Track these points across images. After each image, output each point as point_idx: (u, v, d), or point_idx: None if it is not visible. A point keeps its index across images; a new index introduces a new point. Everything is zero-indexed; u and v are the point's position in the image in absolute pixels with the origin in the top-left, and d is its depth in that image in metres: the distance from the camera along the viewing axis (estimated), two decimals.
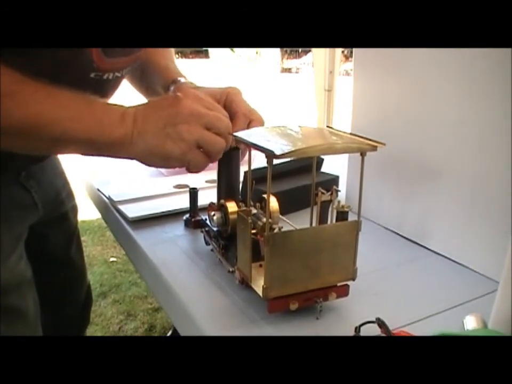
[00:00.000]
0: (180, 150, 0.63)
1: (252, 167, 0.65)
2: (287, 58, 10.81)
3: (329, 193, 0.64)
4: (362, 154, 0.57)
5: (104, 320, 2.18)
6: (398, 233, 0.89)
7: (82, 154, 0.68)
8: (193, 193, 0.90)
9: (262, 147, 0.52)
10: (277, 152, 0.49)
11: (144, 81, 0.93)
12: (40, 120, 0.59)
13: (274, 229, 0.58)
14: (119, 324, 2.16)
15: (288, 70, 10.52)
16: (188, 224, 0.89)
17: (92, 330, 2.06)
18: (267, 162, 0.52)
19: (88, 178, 1.16)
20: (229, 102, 0.77)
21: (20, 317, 0.78)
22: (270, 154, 0.50)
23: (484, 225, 0.73)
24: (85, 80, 0.69)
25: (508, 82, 0.66)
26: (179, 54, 12.39)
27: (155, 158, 0.65)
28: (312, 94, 2.50)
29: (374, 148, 0.56)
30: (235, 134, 0.63)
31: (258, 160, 0.83)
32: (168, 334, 1.93)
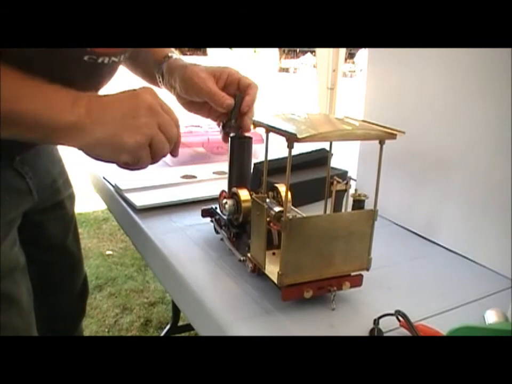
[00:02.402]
0: (136, 143, 0.61)
1: (261, 159, 0.64)
2: (285, 58, 10.81)
3: (345, 182, 0.63)
4: (381, 142, 0.56)
5: (100, 313, 2.16)
6: (409, 229, 0.89)
7: (32, 140, 0.66)
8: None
9: (285, 130, 0.51)
10: (299, 136, 0.48)
11: (140, 64, 0.92)
12: None
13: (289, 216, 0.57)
14: (115, 317, 2.14)
15: (286, 70, 10.52)
16: None
17: (87, 323, 2.04)
18: (287, 146, 0.51)
19: (93, 166, 1.15)
20: (235, 80, 0.77)
21: (12, 303, 0.77)
22: (292, 137, 0.49)
23: (496, 222, 0.73)
24: (78, 63, 0.67)
25: None
26: (176, 51, 12.37)
27: (106, 149, 0.62)
28: (315, 92, 2.50)
29: (394, 136, 0.55)
30: (255, 119, 0.62)
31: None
32: (166, 329, 1.91)
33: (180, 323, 1.92)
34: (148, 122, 0.62)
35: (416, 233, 0.87)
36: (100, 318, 2.13)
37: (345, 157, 1.09)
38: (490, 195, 0.73)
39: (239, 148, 0.75)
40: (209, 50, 11.16)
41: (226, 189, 0.77)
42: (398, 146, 0.67)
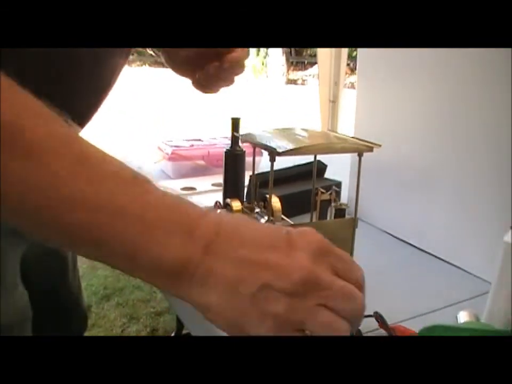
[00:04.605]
0: (265, 331, 0.38)
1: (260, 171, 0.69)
2: (293, 70, 10.89)
3: (329, 192, 0.67)
4: (360, 155, 0.61)
5: (107, 322, 2.21)
6: (396, 237, 0.92)
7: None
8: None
9: (265, 145, 0.56)
10: (279, 150, 0.53)
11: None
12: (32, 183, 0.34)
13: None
14: (122, 326, 2.18)
15: (294, 82, 10.59)
16: None
17: (95, 332, 2.09)
18: (270, 160, 0.55)
19: None
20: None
21: None
22: (272, 152, 0.54)
23: (477, 228, 0.77)
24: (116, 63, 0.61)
25: (498, 91, 0.70)
26: None
27: (226, 322, 0.39)
28: (317, 105, 2.54)
29: (370, 149, 0.59)
30: (241, 135, 0.67)
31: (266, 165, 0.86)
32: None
33: (184, 331, 1.96)
34: (294, 303, 0.37)
35: (403, 241, 0.91)
36: (108, 327, 2.17)
37: (340, 167, 1.13)
38: (472, 203, 0.77)
39: (233, 161, 0.80)
40: None
41: (221, 200, 0.81)
42: (388, 158, 0.72)
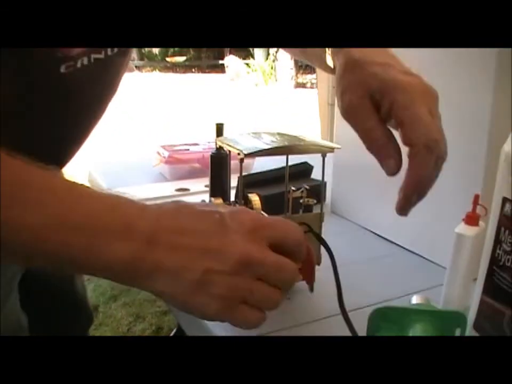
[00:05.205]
0: (214, 310, 0.42)
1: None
2: (302, 74, 10.94)
3: (300, 190, 0.74)
4: (323, 155, 0.67)
5: (114, 321, 2.29)
6: (374, 232, 0.99)
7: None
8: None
9: (233, 147, 0.63)
10: (245, 152, 0.60)
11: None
12: None
13: None
14: (128, 325, 2.26)
15: (303, 85, 10.64)
16: None
17: (102, 331, 2.17)
18: (239, 161, 0.62)
19: (91, 178, 1.28)
20: (399, 118, 0.49)
21: None
22: (239, 154, 0.61)
23: (444, 223, 0.83)
24: (57, 80, 0.53)
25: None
26: (195, 69, 12.57)
27: (179, 305, 0.44)
28: (316, 108, 2.61)
29: (331, 150, 0.66)
30: (219, 139, 0.74)
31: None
32: (172, 333, 2.02)
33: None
34: (232, 281, 0.42)
35: (380, 236, 0.97)
36: (114, 326, 2.25)
37: (328, 168, 1.20)
38: (442, 196, 0.83)
39: (218, 163, 0.87)
40: (226, 68, 11.37)
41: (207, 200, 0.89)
42: (366, 159, 0.78)
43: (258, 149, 0.60)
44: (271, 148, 0.61)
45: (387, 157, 0.51)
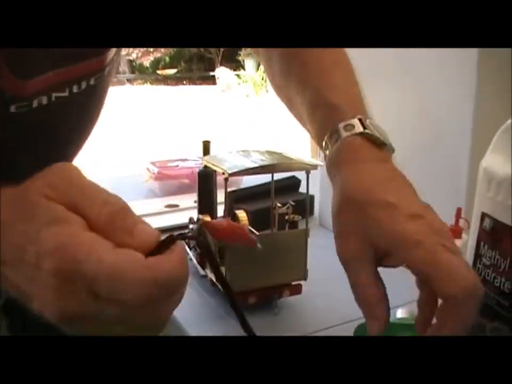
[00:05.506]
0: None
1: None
2: None
3: (286, 207, 0.75)
4: (307, 172, 0.69)
5: None
6: None
7: None
8: None
9: (218, 166, 0.64)
10: (229, 171, 0.61)
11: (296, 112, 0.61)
12: None
13: None
14: None
15: None
16: None
17: None
18: (224, 179, 0.63)
19: None
20: (422, 275, 0.45)
21: None
22: (223, 173, 0.62)
23: None
24: (6, 120, 0.48)
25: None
26: (186, 81, 12.62)
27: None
28: None
29: (315, 167, 0.67)
30: (205, 158, 0.75)
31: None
32: None
33: None
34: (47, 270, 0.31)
35: None
36: None
37: (316, 182, 1.21)
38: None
39: (205, 180, 0.88)
40: (217, 79, 11.41)
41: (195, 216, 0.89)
42: None
43: (242, 168, 0.61)
44: (254, 167, 0.62)
45: (371, 318, 0.46)
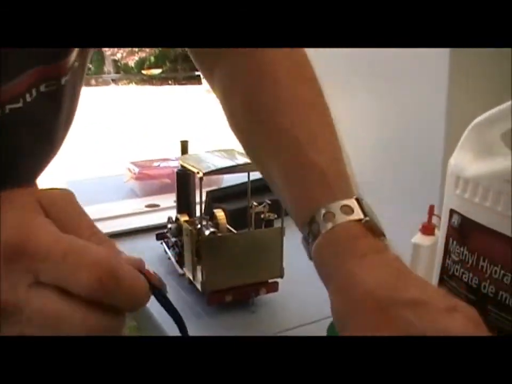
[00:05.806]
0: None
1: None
2: None
3: (262, 205, 0.76)
4: None
5: None
6: None
7: None
8: None
9: (193, 166, 0.64)
10: (204, 171, 0.61)
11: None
12: None
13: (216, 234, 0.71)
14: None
15: None
16: None
17: None
18: (198, 179, 0.64)
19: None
20: None
21: None
22: (198, 172, 0.63)
23: (401, 233, 0.85)
24: None
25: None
26: (171, 81, 12.57)
27: None
28: None
29: None
30: (181, 158, 0.75)
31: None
32: None
33: None
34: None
35: None
36: None
37: None
38: (400, 206, 0.86)
39: (183, 180, 0.89)
40: (203, 79, 11.37)
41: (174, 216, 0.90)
42: None
43: (216, 168, 0.62)
44: (229, 167, 0.63)
45: None
